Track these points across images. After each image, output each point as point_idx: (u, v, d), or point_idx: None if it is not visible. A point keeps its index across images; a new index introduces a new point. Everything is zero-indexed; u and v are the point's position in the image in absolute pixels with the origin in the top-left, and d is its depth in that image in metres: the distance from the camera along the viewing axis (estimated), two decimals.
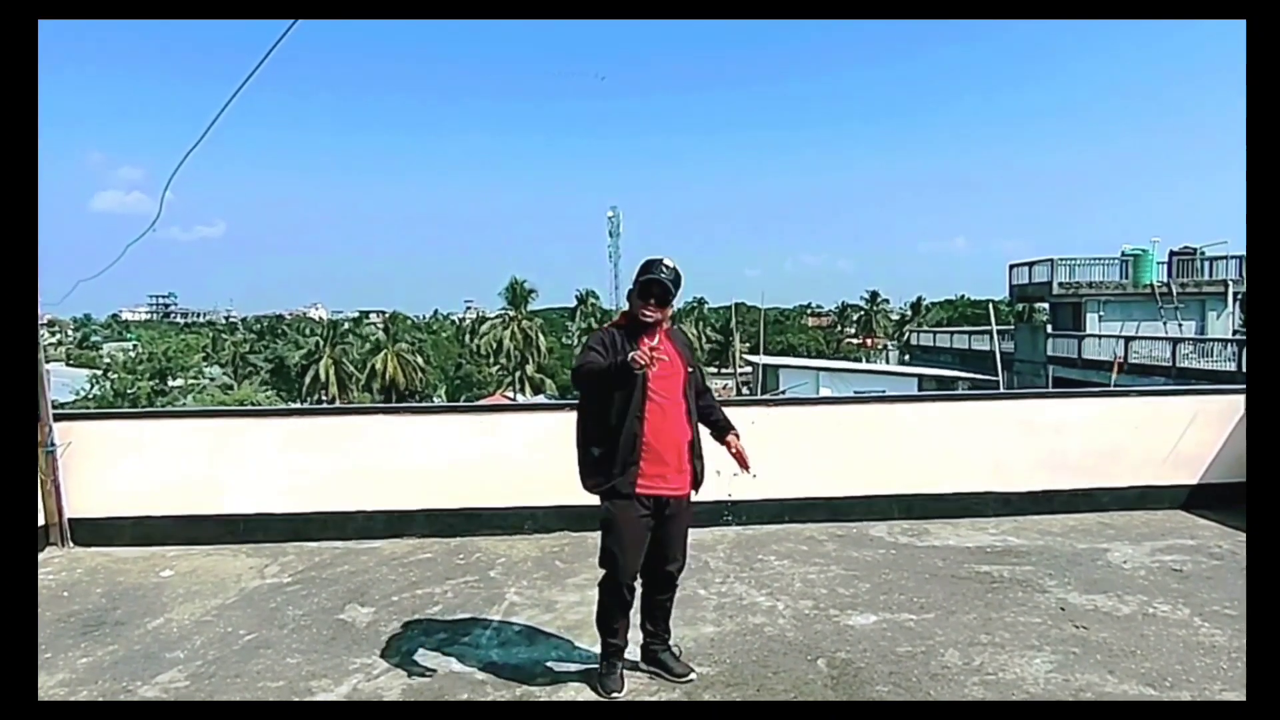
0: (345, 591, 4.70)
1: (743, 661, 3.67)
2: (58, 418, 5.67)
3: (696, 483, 3.40)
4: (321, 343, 52.59)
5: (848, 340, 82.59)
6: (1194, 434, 6.06)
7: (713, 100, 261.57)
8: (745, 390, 42.09)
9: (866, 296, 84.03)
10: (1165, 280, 28.55)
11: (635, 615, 3.47)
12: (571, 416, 3.44)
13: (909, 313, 79.72)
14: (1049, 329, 30.84)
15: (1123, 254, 29.36)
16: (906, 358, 47.17)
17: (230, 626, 4.22)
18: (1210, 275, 28.48)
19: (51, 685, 3.56)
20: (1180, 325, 27.64)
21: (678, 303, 3.38)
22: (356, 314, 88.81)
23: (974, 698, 3.31)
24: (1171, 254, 29.17)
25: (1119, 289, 29.02)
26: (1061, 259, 29.92)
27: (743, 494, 5.64)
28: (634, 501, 3.23)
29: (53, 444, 5.54)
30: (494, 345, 54.77)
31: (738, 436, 3.53)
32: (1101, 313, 28.91)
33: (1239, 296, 27.18)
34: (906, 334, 59.74)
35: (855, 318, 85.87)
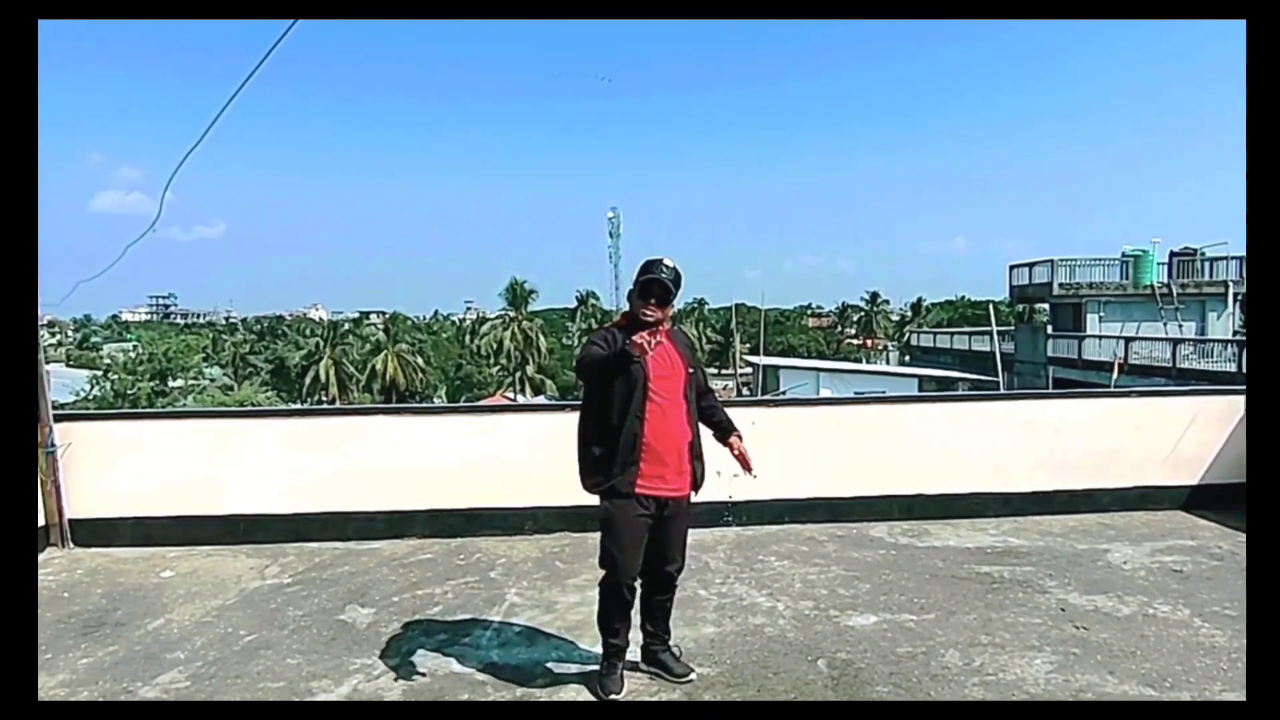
0: (345, 592, 4.70)
1: (743, 662, 3.67)
2: (58, 418, 5.67)
3: (696, 484, 3.40)
4: (322, 343, 52.55)
5: (848, 341, 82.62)
6: (1194, 435, 6.06)
7: (713, 100, 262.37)
8: (745, 391, 42.04)
9: (867, 297, 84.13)
10: (1165, 281, 28.59)
11: (636, 616, 3.47)
12: (572, 417, 3.45)
13: (909, 313, 79.75)
14: (1049, 330, 30.84)
15: (1123, 255, 29.40)
16: (907, 358, 47.20)
17: (230, 627, 4.22)
18: (1210, 276, 28.52)
19: (52, 686, 3.57)
20: (1180, 326, 27.68)
21: (678, 303, 3.38)
22: (357, 314, 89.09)
23: (974, 698, 3.31)
24: (1172, 255, 29.20)
25: (1119, 290, 29.05)
26: (1062, 260, 29.95)
27: (743, 494, 5.64)
28: (633, 501, 3.23)
29: (53, 445, 5.54)
30: (494, 346, 54.73)
31: (740, 438, 3.53)
32: (1102, 313, 28.94)
33: (1239, 297, 27.21)
34: (907, 335, 59.84)
35: (855, 318, 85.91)
